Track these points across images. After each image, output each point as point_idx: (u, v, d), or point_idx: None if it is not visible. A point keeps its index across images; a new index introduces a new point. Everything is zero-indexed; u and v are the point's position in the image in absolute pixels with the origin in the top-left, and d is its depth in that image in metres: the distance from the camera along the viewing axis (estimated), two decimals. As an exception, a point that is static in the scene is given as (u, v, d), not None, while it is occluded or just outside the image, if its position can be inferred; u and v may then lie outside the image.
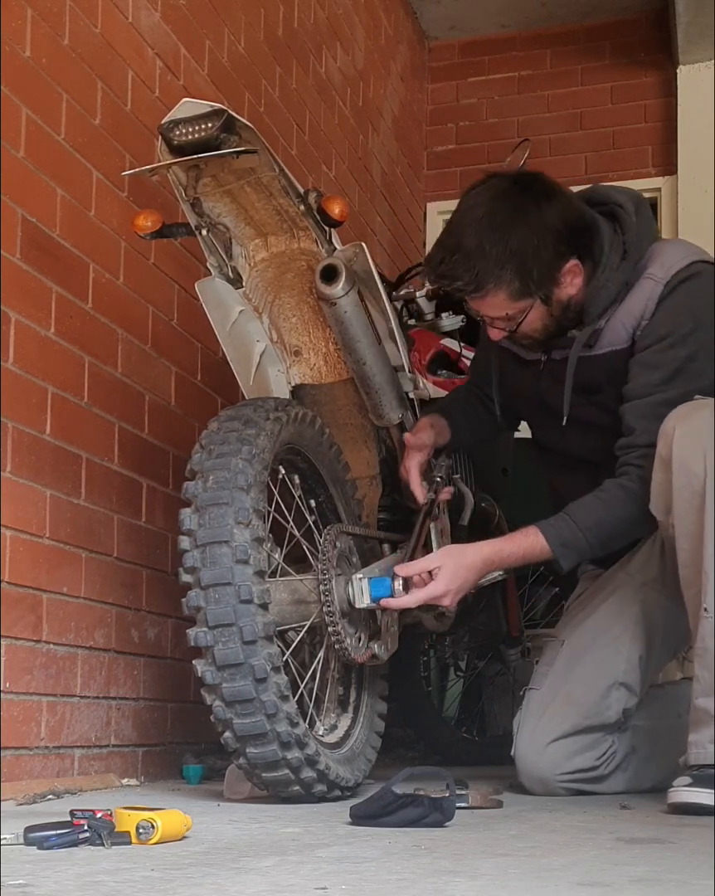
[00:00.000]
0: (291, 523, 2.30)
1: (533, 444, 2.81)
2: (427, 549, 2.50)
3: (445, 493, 2.60)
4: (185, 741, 2.96)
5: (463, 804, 2.06)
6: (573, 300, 2.42)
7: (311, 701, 2.30)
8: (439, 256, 2.36)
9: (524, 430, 3.10)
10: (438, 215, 5.40)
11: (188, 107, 2.12)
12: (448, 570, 2.29)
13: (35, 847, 1.58)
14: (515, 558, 2.38)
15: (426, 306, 3.31)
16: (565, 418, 2.50)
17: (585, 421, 2.52)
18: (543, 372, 2.57)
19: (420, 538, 2.46)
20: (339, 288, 2.31)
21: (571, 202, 2.40)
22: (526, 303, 2.38)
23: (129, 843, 1.60)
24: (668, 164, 5.18)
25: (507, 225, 2.31)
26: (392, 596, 2.25)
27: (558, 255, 2.35)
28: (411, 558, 2.37)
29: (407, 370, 2.58)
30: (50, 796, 2.27)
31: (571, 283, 2.39)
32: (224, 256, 2.38)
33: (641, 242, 2.43)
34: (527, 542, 2.37)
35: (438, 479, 2.57)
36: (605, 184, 2.61)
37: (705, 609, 2.14)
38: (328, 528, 2.32)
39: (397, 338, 2.50)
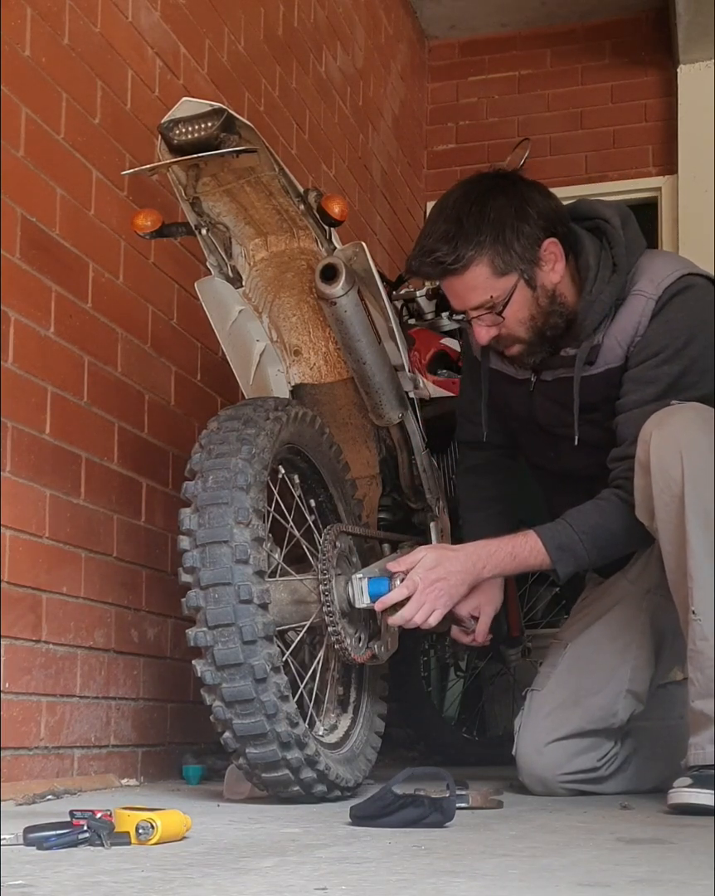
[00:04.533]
0: (291, 523, 2.30)
1: (527, 463, 2.79)
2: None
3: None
4: (184, 741, 2.96)
5: (463, 804, 2.06)
6: (559, 291, 2.38)
7: (311, 701, 2.30)
8: (418, 243, 2.35)
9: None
10: (437, 215, 5.40)
11: (188, 106, 2.12)
12: (430, 560, 2.28)
13: (35, 847, 1.58)
14: (503, 556, 2.35)
15: (426, 306, 3.32)
16: (576, 439, 2.44)
17: (580, 438, 2.48)
18: (534, 392, 2.54)
19: None
20: (338, 287, 2.31)
21: (547, 192, 2.40)
22: (509, 280, 2.33)
23: (129, 843, 1.59)
24: (668, 164, 5.17)
25: (483, 199, 2.31)
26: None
27: (538, 229, 2.33)
28: None
29: (407, 370, 2.58)
30: (49, 796, 2.26)
31: (554, 268, 2.35)
32: (224, 256, 2.37)
33: (630, 255, 2.40)
34: (518, 541, 2.36)
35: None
36: (591, 198, 2.58)
37: (693, 612, 2.13)
38: (328, 527, 2.31)
39: (397, 337, 2.50)
